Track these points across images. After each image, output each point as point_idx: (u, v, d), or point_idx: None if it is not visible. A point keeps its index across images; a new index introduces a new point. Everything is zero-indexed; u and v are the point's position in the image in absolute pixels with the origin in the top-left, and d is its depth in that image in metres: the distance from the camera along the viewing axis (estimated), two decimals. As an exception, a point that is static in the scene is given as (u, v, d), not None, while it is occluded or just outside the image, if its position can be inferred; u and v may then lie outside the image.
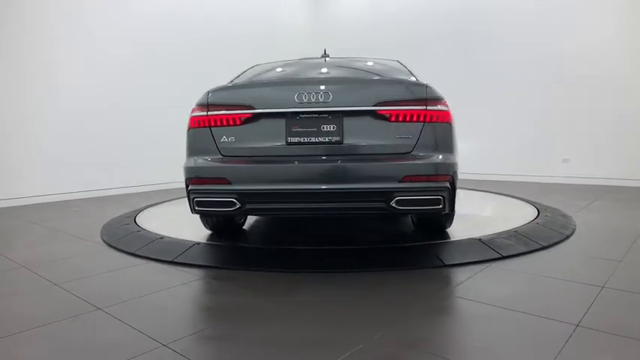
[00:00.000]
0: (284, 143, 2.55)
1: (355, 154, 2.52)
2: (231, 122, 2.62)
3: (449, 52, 7.88)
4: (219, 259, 2.85)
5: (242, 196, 2.54)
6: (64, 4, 5.80)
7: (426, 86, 2.57)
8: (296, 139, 2.55)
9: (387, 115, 2.49)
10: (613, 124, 6.40)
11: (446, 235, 3.15)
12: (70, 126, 5.86)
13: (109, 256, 3.10)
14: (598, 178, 6.51)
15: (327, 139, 2.52)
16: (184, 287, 2.45)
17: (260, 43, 7.96)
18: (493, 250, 2.84)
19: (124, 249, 3.17)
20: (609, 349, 1.64)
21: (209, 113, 2.65)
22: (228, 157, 2.62)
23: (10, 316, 2.08)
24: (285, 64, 3.48)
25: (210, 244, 3.20)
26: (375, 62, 3.44)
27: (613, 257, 2.79)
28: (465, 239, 3.06)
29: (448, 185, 2.46)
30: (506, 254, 2.82)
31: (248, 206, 2.57)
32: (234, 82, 3.07)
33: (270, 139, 2.58)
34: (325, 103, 2.52)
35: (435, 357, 1.58)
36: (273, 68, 3.39)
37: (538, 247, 3.01)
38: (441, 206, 2.46)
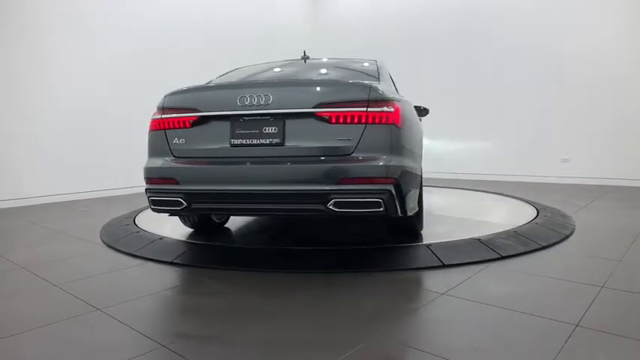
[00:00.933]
0: (228, 145, 2.60)
1: (295, 155, 2.51)
2: (181, 125, 2.70)
3: (448, 52, 7.89)
4: (217, 260, 2.85)
5: (188, 195, 2.61)
6: (64, 5, 5.80)
7: (370, 87, 2.50)
8: (239, 141, 2.58)
9: (327, 117, 2.47)
10: (612, 123, 6.41)
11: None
12: (71, 126, 5.85)
13: (109, 256, 3.10)
14: (597, 178, 6.51)
15: (268, 141, 2.54)
16: (183, 288, 2.45)
17: (259, 44, 7.97)
18: (492, 251, 2.84)
19: (124, 250, 3.17)
20: (609, 349, 1.64)
21: (163, 116, 2.75)
22: (179, 158, 2.70)
23: (10, 317, 2.08)
24: (260, 67, 3.58)
25: (210, 245, 3.20)
26: (348, 64, 3.44)
27: (612, 257, 2.79)
28: (465, 239, 3.06)
29: (390, 188, 2.39)
30: (506, 254, 2.82)
31: (194, 206, 2.63)
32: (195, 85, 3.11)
33: (216, 141, 2.63)
34: (266, 106, 2.54)
35: (434, 357, 1.58)
36: (250, 70, 3.48)
37: (537, 247, 3.01)
38: (381, 209, 2.40)
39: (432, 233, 3.32)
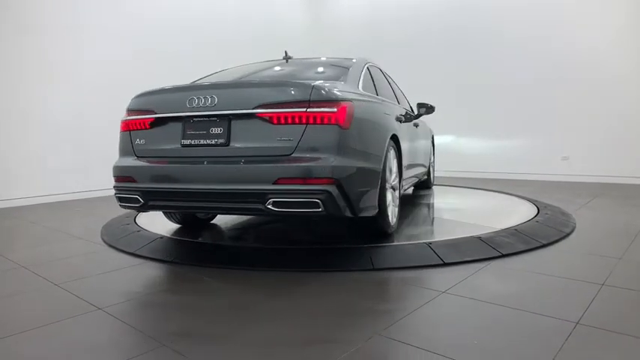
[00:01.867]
0: (179, 145, 2.70)
1: (239, 156, 2.55)
2: (142, 126, 2.84)
3: (448, 51, 7.88)
4: (219, 259, 2.85)
5: (144, 193, 2.73)
6: (64, 6, 5.79)
7: (313, 87, 2.49)
8: (188, 142, 2.67)
9: (268, 118, 2.49)
10: (612, 121, 6.41)
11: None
12: (71, 126, 5.85)
13: (109, 256, 3.10)
14: (597, 175, 6.52)
15: (214, 142, 2.61)
16: (184, 287, 2.45)
17: (258, 42, 7.95)
18: (493, 249, 2.84)
19: (124, 249, 3.17)
20: (609, 347, 1.64)
21: (128, 118, 2.91)
22: (140, 157, 2.84)
23: (11, 317, 2.08)
24: (242, 68, 3.67)
25: (211, 244, 3.21)
26: (322, 64, 3.48)
27: (613, 255, 2.79)
28: (465, 237, 3.06)
29: (329, 188, 2.37)
30: (506, 252, 2.82)
31: (150, 203, 2.76)
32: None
33: (170, 141, 2.73)
34: (212, 107, 2.60)
35: (434, 355, 1.58)
36: (232, 71, 3.59)
37: (538, 245, 3.01)
38: (320, 210, 2.39)
39: (432, 231, 3.32)
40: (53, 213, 4.88)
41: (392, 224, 3.14)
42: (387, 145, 2.94)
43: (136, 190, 2.75)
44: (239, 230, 3.70)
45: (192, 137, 2.66)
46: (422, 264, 2.66)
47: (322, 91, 2.49)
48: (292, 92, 2.51)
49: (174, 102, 2.72)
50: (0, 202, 5.28)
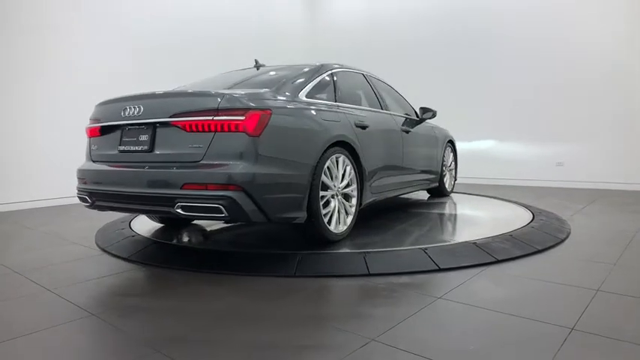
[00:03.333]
0: (117, 151, 2.94)
1: (159, 161, 2.73)
2: (95, 133, 3.12)
3: (443, 55, 7.92)
4: (214, 264, 2.84)
5: (90, 194, 3.02)
6: (61, 9, 5.79)
7: (223, 96, 2.60)
8: (124, 148, 2.91)
9: (182, 126, 2.64)
10: (607, 127, 6.45)
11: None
12: (67, 129, 5.82)
13: (103, 261, 3.08)
14: (592, 181, 6.55)
15: (140, 148, 2.81)
16: (178, 292, 2.44)
17: (257, 48, 7.94)
18: (488, 254, 2.85)
19: (118, 254, 3.15)
20: (604, 353, 1.64)
21: (89, 125, 3.19)
22: (94, 161, 3.12)
23: (3, 323, 2.06)
24: (217, 76, 3.88)
25: (206, 249, 3.19)
26: (282, 71, 3.50)
27: (607, 260, 2.81)
28: (461, 243, 3.06)
29: (232, 194, 2.46)
30: (502, 258, 2.82)
31: (96, 203, 3.02)
32: None
33: (111, 147, 2.99)
34: (139, 116, 2.80)
35: (430, 361, 1.58)
36: (212, 77, 3.80)
37: (533, 250, 3.01)
38: (224, 214, 2.48)
39: (428, 236, 3.32)
40: (49, 217, 4.85)
41: (337, 232, 3.11)
42: (320, 151, 2.92)
43: (85, 191, 3.05)
44: (238, 235, 3.69)
45: (126, 144, 2.90)
46: (418, 269, 2.66)
47: (231, 101, 2.60)
48: (203, 101, 2.65)
49: (113, 112, 2.96)
50: (-6, 207, 5.25)
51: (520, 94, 7.16)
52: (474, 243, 3.01)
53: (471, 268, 2.68)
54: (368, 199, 3.55)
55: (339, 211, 3.16)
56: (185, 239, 3.62)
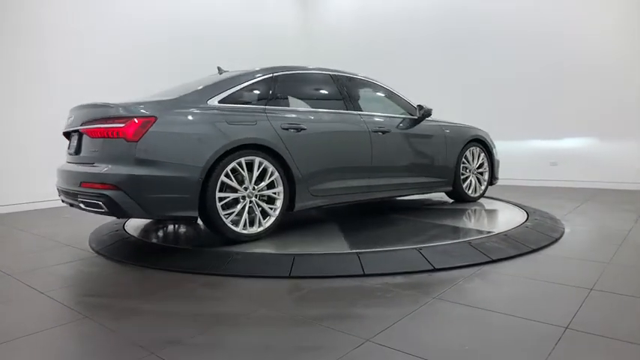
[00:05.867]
0: (68, 154, 3.42)
1: (79, 163, 3.16)
2: (66, 138, 3.58)
3: (437, 56, 7.94)
4: (209, 266, 2.83)
5: (58, 190, 3.40)
6: (58, 12, 5.76)
7: (114, 107, 2.95)
8: (70, 151, 3.38)
9: (87, 133, 3.07)
10: (600, 128, 6.49)
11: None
12: (58, 131, 5.79)
13: (97, 263, 3.06)
14: (586, 181, 6.59)
15: (73, 151, 3.27)
16: (173, 294, 2.43)
17: (250, 49, 7.95)
18: (483, 254, 2.85)
19: (112, 256, 3.13)
20: (598, 351, 1.65)
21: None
22: (66, 162, 3.47)
23: (-5, 326, 2.04)
24: (182, 83, 3.92)
25: (200, 251, 3.18)
26: (227, 77, 3.55)
27: (601, 259, 2.82)
28: (455, 243, 3.07)
29: (108, 193, 2.78)
30: (496, 258, 2.83)
31: (61, 198, 3.40)
32: None
33: (68, 150, 3.44)
34: (71, 125, 3.30)
35: (425, 361, 1.58)
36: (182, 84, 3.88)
37: (527, 250, 3.02)
38: (104, 210, 2.83)
39: (422, 236, 3.33)
40: (41, 220, 4.82)
41: (246, 232, 3.18)
42: (216, 154, 3.01)
43: (57, 188, 3.41)
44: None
45: (70, 147, 3.37)
46: (412, 270, 2.66)
47: (118, 110, 2.92)
48: (100, 111, 3.02)
49: (67, 119, 3.43)
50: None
51: (513, 94, 7.19)
52: (469, 243, 3.02)
53: (466, 267, 2.68)
54: (306, 201, 3.52)
55: (252, 212, 3.23)
56: (180, 241, 3.60)
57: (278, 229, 3.45)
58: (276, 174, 3.32)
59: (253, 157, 3.21)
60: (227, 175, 3.09)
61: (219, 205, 3.04)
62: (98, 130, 2.95)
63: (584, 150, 6.63)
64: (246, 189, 3.19)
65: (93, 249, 3.39)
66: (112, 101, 3.04)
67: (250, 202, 3.22)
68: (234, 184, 3.14)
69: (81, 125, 3.11)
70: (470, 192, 4.97)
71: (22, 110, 5.53)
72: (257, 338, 1.82)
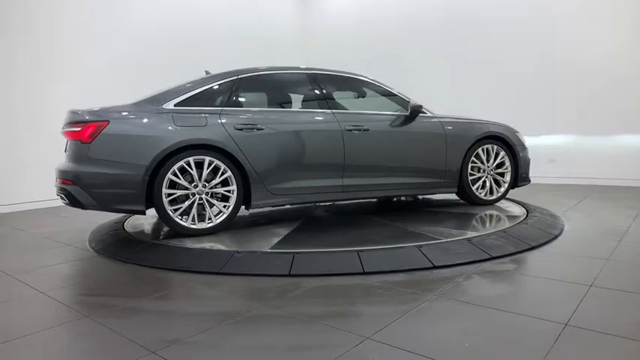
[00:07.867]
0: (64, 152, 3.61)
1: (65, 161, 3.46)
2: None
3: (435, 53, 7.94)
4: (209, 264, 2.83)
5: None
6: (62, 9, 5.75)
7: (79, 113, 3.30)
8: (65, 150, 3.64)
9: (64, 134, 3.42)
10: (598, 124, 6.49)
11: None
12: (58, 131, 5.78)
13: (97, 262, 3.06)
14: (585, 177, 6.59)
15: (64, 150, 3.52)
16: (173, 293, 2.43)
17: (249, 50, 7.90)
18: (482, 251, 2.85)
19: (112, 255, 3.13)
20: (598, 348, 1.66)
21: None
22: None
23: (-4, 326, 2.05)
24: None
25: (200, 250, 3.18)
26: (199, 79, 3.74)
27: (600, 256, 2.82)
28: (455, 240, 3.06)
29: (67, 187, 3.20)
30: (496, 255, 2.83)
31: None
32: None
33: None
34: (62, 127, 3.54)
35: (424, 358, 1.58)
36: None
37: (527, 247, 3.03)
38: (67, 202, 3.27)
39: (421, 234, 3.33)
40: (40, 219, 4.82)
41: (195, 227, 3.35)
42: (161, 154, 3.20)
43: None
44: (233, 235, 3.67)
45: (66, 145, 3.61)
46: (411, 267, 2.66)
47: (80, 115, 3.29)
48: (71, 117, 3.34)
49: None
50: (-15, 209, 5.20)
51: (511, 91, 7.19)
52: (469, 240, 3.02)
53: (466, 265, 2.68)
54: (264, 200, 3.56)
55: (203, 208, 3.37)
56: (180, 240, 3.60)
57: (278, 229, 3.45)
58: (229, 173, 3.40)
59: (203, 156, 3.33)
60: (175, 174, 3.26)
61: (165, 200, 3.25)
62: (67, 133, 3.34)
63: (583, 146, 6.64)
64: (195, 187, 3.31)
65: (93, 248, 3.39)
66: (93, 106, 3.37)
67: (200, 199, 3.34)
68: (183, 181, 3.29)
69: (62, 128, 3.43)
70: (483, 194, 4.43)
71: (22, 110, 5.51)
72: (257, 337, 1.83)
